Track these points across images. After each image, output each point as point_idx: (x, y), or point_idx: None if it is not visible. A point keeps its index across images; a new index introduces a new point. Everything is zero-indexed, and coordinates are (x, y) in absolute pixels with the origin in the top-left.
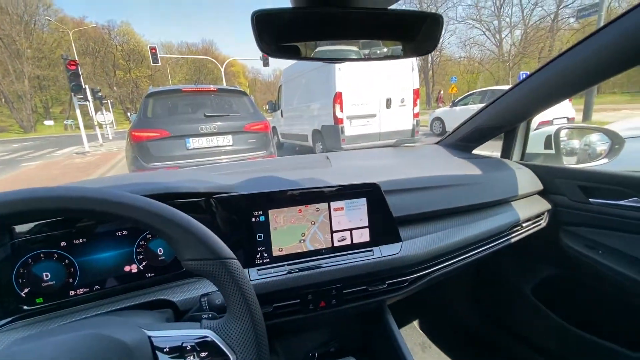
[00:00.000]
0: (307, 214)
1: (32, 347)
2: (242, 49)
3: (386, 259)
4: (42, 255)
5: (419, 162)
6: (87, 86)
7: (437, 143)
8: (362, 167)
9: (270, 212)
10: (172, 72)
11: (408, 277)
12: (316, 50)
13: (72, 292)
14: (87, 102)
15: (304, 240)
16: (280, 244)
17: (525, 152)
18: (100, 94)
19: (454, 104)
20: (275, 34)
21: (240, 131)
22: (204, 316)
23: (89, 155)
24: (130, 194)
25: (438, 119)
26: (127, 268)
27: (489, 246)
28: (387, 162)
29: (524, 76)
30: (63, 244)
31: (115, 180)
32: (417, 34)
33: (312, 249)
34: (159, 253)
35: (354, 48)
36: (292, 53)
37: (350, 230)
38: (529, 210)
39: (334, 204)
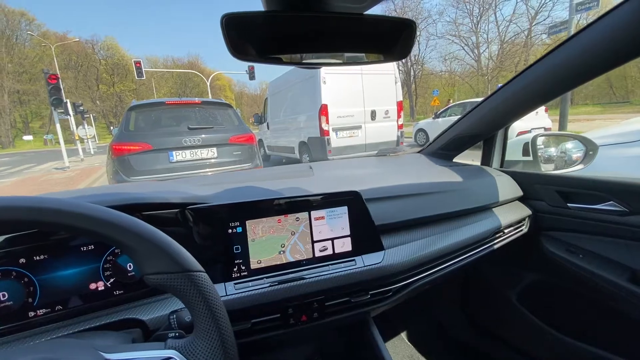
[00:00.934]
0: (286, 224)
1: None
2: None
3: (368, 269)
4: None
5: (401, 170)
6: (68, 100)
7: (419, 152)
8: (344, 176)
9: (247, 222)
10: (157, 86)
11: (391, 286)
12: (291, 55)
13: (31, 313)
14: (68, 117)
15: (283, 252)
16: (259, 256)
17: (504, 160)
18: (81, 107)
19: (437, 116)
20: (246, 38)
21: (225, 143)
22: (170, 335)
23: (68, 170)
24: (88, 203)
25: (421, 130)
26: (92, 286)
27: (472, 253)
28: (370, 170)
29: None
30: (22, 260)
31: (83, 192)
32: (392, 40)
33: (293, 260)
34: (129, 269)
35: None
36: (264, 58)
37: (332, 239)
38: (510, 216)
39: (314, 213)
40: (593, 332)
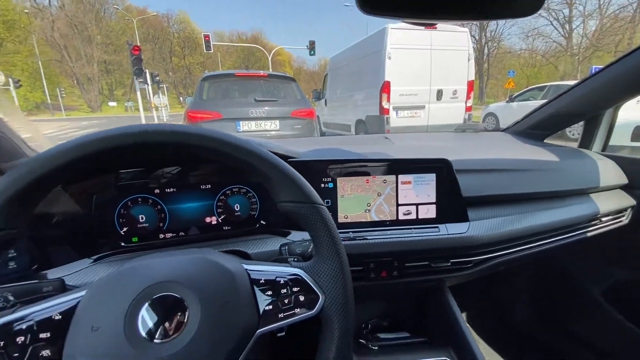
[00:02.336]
0: (374, 185)
1: (150, 262)
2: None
3: (452, 237)
4: (139, 199)
5: (487, 146)
6: (147, 70)
7: (503, 131)
8: (428, 146)
9: (338, 179)
10: (222, 60)
11: (473, 258)
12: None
13: (161, 235)
14: (146, 86)
15: (369, 210)
16: (346, 212)
17: (608, 143)
18: (158, 78)
19: (511, 99)
20: None
21: (287, 117)
22: (290, 259)
23: None
24: (243, 138)
25: (491, 114)
26: (207, 219)
27: (560, 237)
28: (452, 144)
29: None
30: (157, 191)
31: None
32: None
33: (377, 219)
34: (236, 209)
35: None
36: (395, 12)
37: (417, 205)
38: (610, 204)
39: (401, 177)
40: None
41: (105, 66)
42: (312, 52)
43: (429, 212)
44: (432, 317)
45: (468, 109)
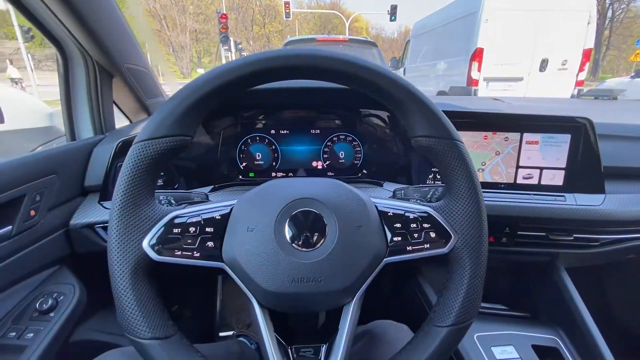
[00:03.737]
0: (492, 142)
1: (293, 181)
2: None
3: (581, 209)
4: (257, 137)
5: (634, 112)
6: (231, 38)
7: None
8: (556, 108)
9: None
10: (300, 28)
11: (602, 236)
12: None
13: (273, 174)
14: (230, 53)
15: (482, 170)
16: None
17: None
18: (240, 46)
19: (638, 75)
20: None
21: None
22: (412, 200)
23: None
24: (388, 69)
25: (609, 91)
26: (314, 163)
27: None
28: (586, 107)
29: None
30: (272, 132)
31: None
32: None
33: (490, 180)
34: (341, 156)
35: None
36: None
37: (541, 169)
38: None
39: (527, 136)
40: None
41: (195, 35)
42: (393, 18)
43: (555, 178)
44: (537, 294)
45: (579, 83)
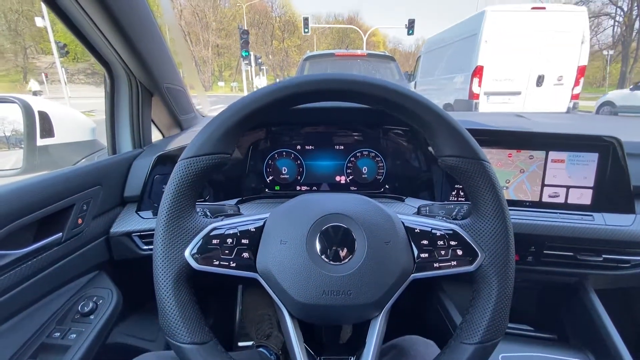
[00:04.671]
0: (517, 160)
1: (322, 197)
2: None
3: (611, 229)
4: (284, 152)
5: None
6: (251, 53)
7: None
8: (582, 125)
9: None
10: (318, 42)
11: (633, 257)
12: None
13: (298, 187)
14: (250, 67)
15: (506, 188)
16: None
17: None
18: (260, 60)
19: (637, 87)
20: None
21: None
22: (438, 217)
23: None
24: (414, 91)
25: (609, 103)
26: (337, 178)
27: None
28: (618, 124)
29: None
30: (298, 147)
31: None
32: None
33: (515, 198)
34: (364, 171)
35: None
36: None
37: (568, 187)
38: None
39: (553, 155)
40: None
41: (217, 50)
42: (411, 32)
43: (583, 197)
44: (564, 316)
45: (574, 96)
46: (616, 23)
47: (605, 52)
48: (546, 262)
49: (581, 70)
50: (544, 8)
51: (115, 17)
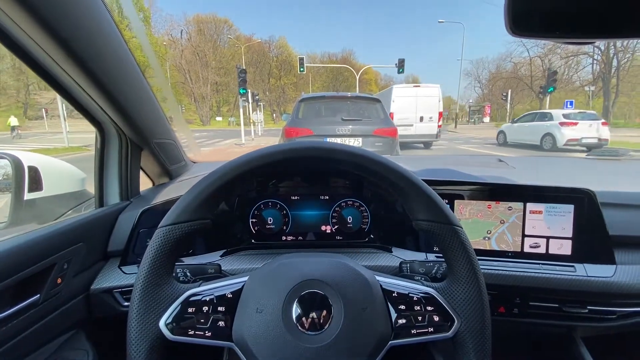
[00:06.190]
0: (496, 211)
1: (300, 261)
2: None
3: (593, 281)
4: (270, 203)
5: (637, 176)
6: (249, 90)
7: None
8: (559, 172)
9: (456, 202)
10: (313, 80)
11: (618, 308)
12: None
13: (283, 237)
14: (247, 104)
15: (488, 238)
16: None
17: None
18: (257, 97)
19: (514, 122)
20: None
21: (370, 135)
22: (417, 277)
23: (244, 146)
24: (389, 159)
25: (502, 132)
26: (323, 227)
27: None
28: (596, 171)
29: None
30: (283, 197)
31: None
32: None
33: (497, 249)
34: (349, 221)
35: None
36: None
37: (547, 238)
38: None
39: (530, 206)
40: None
41: (216, 87)
42: (401, 70)
43: (563, 247)
44: None
45: (439, 126)
46: (594, 61)
47: (587, 88)
48: (533, 314)
49: (440, 114)
50: (419, 85)
51: (102, 81)
